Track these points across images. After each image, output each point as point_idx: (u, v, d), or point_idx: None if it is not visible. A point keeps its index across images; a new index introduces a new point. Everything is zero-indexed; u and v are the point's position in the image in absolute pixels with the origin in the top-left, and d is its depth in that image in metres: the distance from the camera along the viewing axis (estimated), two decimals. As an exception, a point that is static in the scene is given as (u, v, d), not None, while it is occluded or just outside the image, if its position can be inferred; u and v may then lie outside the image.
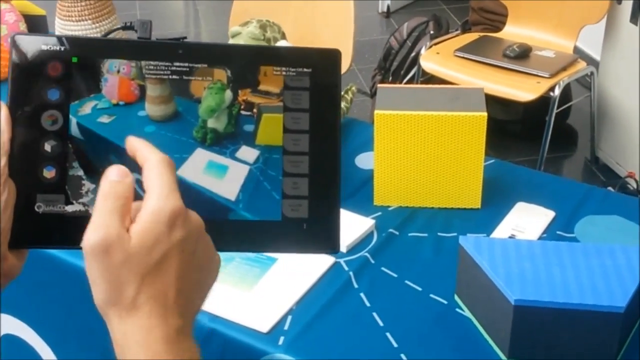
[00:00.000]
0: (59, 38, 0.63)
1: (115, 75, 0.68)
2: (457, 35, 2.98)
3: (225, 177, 0.65)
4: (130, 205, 0.57)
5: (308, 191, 0.64)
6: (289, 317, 1.24)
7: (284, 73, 0.65)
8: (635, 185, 2.71)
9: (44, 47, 0.63)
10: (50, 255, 1.39)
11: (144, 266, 0.55)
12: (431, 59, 2.79)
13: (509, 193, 1.51)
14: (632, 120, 2.75)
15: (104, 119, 0.68)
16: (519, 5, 2.95)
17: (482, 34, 2.97)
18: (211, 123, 0.66)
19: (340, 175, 0.65)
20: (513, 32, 2.93)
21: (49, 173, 0.62)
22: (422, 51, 2.86)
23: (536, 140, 2.77)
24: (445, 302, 1.27)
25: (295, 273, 1.32)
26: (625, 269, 1.16)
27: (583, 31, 2.82)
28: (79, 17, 1.58)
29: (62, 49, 0.63)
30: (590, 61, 3.02)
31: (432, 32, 3.05)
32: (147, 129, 0.67)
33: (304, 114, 0.65)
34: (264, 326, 1.22)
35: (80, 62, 0.63)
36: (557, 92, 2.62)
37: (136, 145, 0.60)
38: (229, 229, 0.64)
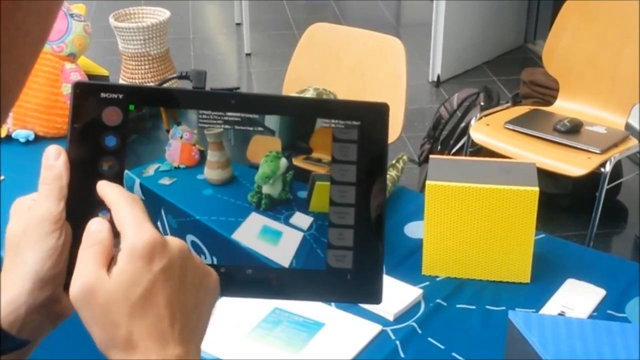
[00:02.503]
0: (117, 86, 0.66)
1: (178, 141, 0.71)
2: (507, 108, 3.00)
3: (279, 243, 0.67)
4: (110, 249, 0.58)
5: (353, 242, 0.66)
6: (335, 384, 1.24)
7: (333, 125, 0.66)
8: (686, 266, 2.65)
9: (103, 95, 0.65)
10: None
11: (129, 304, 0.56)
12: (481, 130, 2.80)
13: (559, 269, 1.50)
14: (684, 199, 2.72)
15: (165, 181, 0.71)
16: (570, 80, 2.97)
17: (532, 107, 2.98)
18: (266, 189, 0.68)
19: (385, 228, 0.66)
20: (564, 106, 2.93)
21: (104, 217, 0.63)
22: (472, 122, 2.87)
23: (585, 214, 2.74)
24: (492, 377, 1.26)
25: (342, 339, 1.32)
26: (679, 353, 1.14)
27: (635, 107, 2.81)
28: (142, 78, 1.64)
29: (120, 97, 0.65)
30: (642, 138, 3.00)
31: (482, 103, 3.07)
32: (205, 191, 0.69)
33: (352, 166, 0.66)
34: (310, 392, 1.22)
35: (137, 110, 0.66)
36: (608, 168, 2.60)
37: (104, 190, 0.62)
38: (274, 277, 0.66)
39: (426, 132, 3.28)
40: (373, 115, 0.67)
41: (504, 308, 1.40)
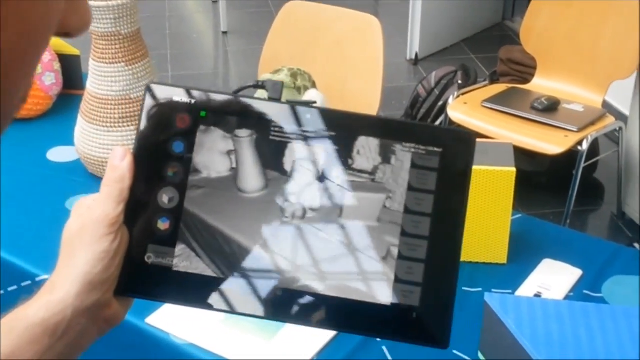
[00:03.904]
0: (191, 91, 0.63)
1: None
2: (484, 86, 2.99)
3: None
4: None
5: (423, 278, 0.61)
6: (310, 368, 1.23)
7: (412, 150, 0.62)
8: (662, 243, 2.67)
9: (176, 99, 0.63)
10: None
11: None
12: (458, 109, 2.79)
13: (536, 249, 1.49)
14: (661, 176, 2.73)
15: None
16: (547, 58, 2.96)
17: (510, 85, 2.97)
18: None
19: (459, 266, 0.61)
20: (541, 84, 2.93)
21: (163, 225, 0.62)
22: (450, 100, 2.86)
23: (562, 192, 2.75)
24: (468, 358, 1.25)
25: (317, 323, 1.31)
26: (654, 333, 1.13)
27: (612, 86, 2.82)
28: (112, 59, 1.60)
29: (193, 102, 0.63)
30: (619, 116, 3.01)
31: (460, 81, 3.06)
32: None
33: (429, 196, 0.62)
34: (284, 377, 1.21)
35: (209, 117, 0.63)
36: (585, 146, 2.60)
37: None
38: (333, 306, 0.62)
39: (404, 111, 3.27)
40: (458, 143, 0.62)
41: (480, 289, 1.39)
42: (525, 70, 3.18)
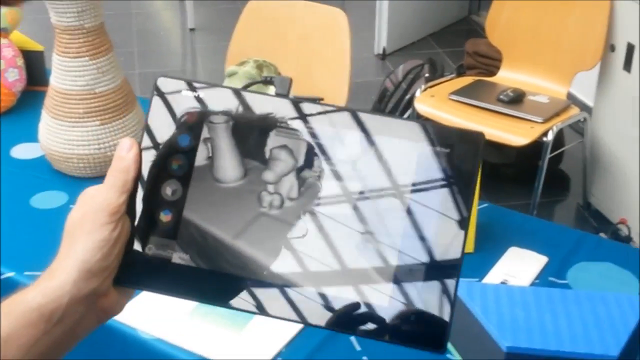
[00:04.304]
0: (199, 85, 0.64)
1: None
2: (451, 79, 3.01)
3: None
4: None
5: (423, 279, 0.60)
6: (279, 360, 1.23)
7: (415, 143, 0.61)
8: (627, 232, 2.71)
9: (184, 93, 0.63)
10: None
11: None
12: (426, 102, 2.80)
13: (502, 238, 1.51)
14: (624, 167, 2.77)
15: None
16: (513, 51, 2.98)
17: (476, 78, 2.99)
18: None
19: (461, 269, 0.60)
20: (507, 76, 2.95)
21: (165, 217, 0.63)
22: (417, 94, 2.88)
23: (529, 184, 2.77)
24: (436, 347, 1.26)
25: (286, 314, 1.31)
26: (618, 317, 1.15)
27: (577, 78, 2.85)
28: (76, 53, 1.58)
29: (200, 96, 0.63)
30: (583, 107, 3.04)
31: (427, 75, 3.07)
32: None
33: (431, 195, 0.61)
34: (254, 368, 1.21)
35: (215, 112, 0.63)
36: (550, 137, 2.63)
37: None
38: (320, 303, 0.61)
39: (372, 105, 3.28)
40: (466, 144, 0.61)
41: (447, 278, 1.40)
42: (491, 63, 3.20)
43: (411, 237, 0.61)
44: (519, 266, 1.43)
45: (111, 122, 1.64)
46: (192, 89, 0.64)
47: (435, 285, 0.60)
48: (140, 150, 0.63)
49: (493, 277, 1.40)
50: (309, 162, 0.62)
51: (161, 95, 0.64)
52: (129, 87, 1.71)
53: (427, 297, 0.60)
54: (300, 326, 1.28)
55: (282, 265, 0.61)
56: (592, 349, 1.09)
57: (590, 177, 2.96)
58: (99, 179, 1.48)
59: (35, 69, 2.03)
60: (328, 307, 0.61)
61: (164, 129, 0.64)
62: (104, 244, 0.59)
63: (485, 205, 1.61)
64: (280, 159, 0.62)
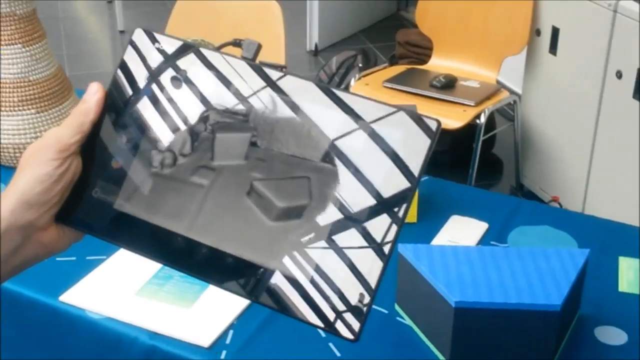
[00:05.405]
0: (173, 40, 0.64)
1: None
2: (384, 68, 3.05)
3: None
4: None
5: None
6: (231, 332, 1.23)
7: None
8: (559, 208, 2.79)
9: (157, 46, 0.64)
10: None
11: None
12: (361, 90, 2.84)
13: (443, 207, 1.54)
14: (554, 147, 2.85)
15: None
16: (443, 38, 3.05)
17: (409, 66, 3.04)
18: None
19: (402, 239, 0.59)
20: (438, 64, 3.01)
21: (115, 163, 0.63)
22: (352, 82, 2.91)
23: (464, 170, 2.83)
24: (385, 311, 1.28)
25: (235, 289, 1.31)
26: (559, 270, 1.19)
27: (504, 66, 2.93)
28: (8, 40, 1.55)
29: (171, 52, 0.64)
30: (512, 94, 3.12)
31: (360, 65, 3.11)
32: None
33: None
34: (206, 341, 1.20)
35: (179, 66, 0.64)
36: (482, 119, 2.69)
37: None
38: (214, 258, 0.60)
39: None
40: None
41: (393, 247, 1.42)
42: (422, 51, 3.26)
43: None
44: (461, 233, 1.47)
45: (48, 110, 1.62)
46: (167, 44, 0.64)
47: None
48: (106, 96, 0.64)
49: (437, 243, 1.43)
50: (202, 117, 0.62)
51: (134, 46, 0.65)
52: (64, 75, 1.69)
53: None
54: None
55: (180, 221, 0.61)
56: (536, 299, 1.13)
57: (522, 158, 3.04)
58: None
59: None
60: (215, 261, 0.60)
61: (130, 79, 0.64)
62: (46, 178, 0.60)
63: (426, 178, 1.64)
64: (169, 113, 0.63)
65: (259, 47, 0.93)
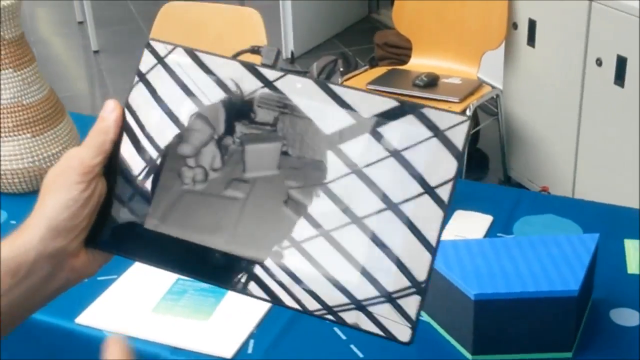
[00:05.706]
0: (188, 51, 0.63)
1: None
2: (365, 71, 3.06)
3: None
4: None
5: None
6: (252, 341, 1.23)
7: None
8: (549, 199, 2.82)
9: (171, 57, 0.63)
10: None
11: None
12: (344, 94, 2.84)
13: (447, 203, 1.55)
14: (539, 138, 2.88)
15: None
16: (421, 37, 3.07)
17: (390, 67, 3.06)
18: None
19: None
20: (419, 63, 3.03)
21: (141, 182, 0.62)
22: (335, 87, 2.91)
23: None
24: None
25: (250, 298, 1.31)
26: (572, 256, 1.21)
27: (483, 63, 2.95)
28: (-1, 66, 1.54)
29: (187, 62, 0.63)
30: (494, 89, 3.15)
31: (341, 69, 3.12)
32: None
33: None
34: (228, 352, 1.20)
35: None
36: (468, 114, 2.72)
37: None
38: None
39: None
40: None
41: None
42: (401, 52, 3.28)
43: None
44: (467, 227, 1.48)
45: (43, 134, 1.61)
46: (181, 55, 0.63)
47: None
48: (124, 113, 0.62)
49: (444, 238, 1.44)
50: (229, 129, 0.62)
51: (150, 59, 0.64)
52: (56, 97, 1.68)
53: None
54: (269, 305, 1.29)
55: (224, 239, 0.61)
56: (554, 286, 1.14)
57: (508, 151, 3.07)
58: (36, 193, 1.45)
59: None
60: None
61: (149, 94, 0.63)
62: (72, 203, 0.58)
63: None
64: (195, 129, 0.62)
65: (279, 52, 0.93)
